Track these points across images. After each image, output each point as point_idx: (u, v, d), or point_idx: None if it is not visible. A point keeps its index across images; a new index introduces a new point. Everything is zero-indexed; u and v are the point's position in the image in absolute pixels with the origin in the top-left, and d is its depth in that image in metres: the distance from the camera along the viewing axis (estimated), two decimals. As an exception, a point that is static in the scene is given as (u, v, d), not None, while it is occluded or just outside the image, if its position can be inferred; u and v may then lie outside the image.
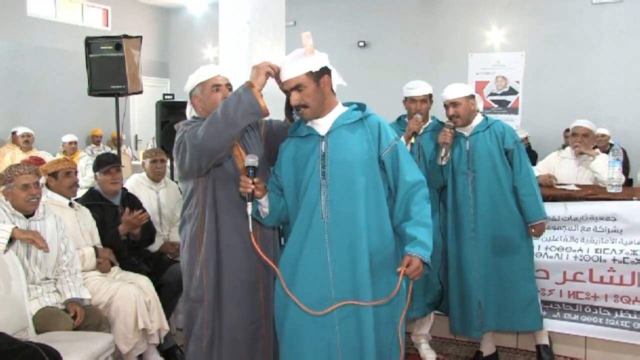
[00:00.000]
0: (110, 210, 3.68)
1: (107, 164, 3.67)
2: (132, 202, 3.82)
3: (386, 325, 2.31)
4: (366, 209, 2.26)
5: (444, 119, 3.53)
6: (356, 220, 2.25)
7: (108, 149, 8.83)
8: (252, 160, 2.26)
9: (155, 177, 4.20)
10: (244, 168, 2.36)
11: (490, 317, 3.30)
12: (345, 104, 2.39)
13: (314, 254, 2.27)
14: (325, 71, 2.27)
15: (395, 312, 2.32)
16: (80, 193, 3.91)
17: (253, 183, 2.22)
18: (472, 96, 3.31)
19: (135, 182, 4.16)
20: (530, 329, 3.46)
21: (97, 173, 3.71)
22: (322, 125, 2.32)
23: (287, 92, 2.30)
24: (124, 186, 3.91)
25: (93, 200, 3.68)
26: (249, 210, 2.22)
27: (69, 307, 3.02)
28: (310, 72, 2.22)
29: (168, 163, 5.28)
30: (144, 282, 3.40)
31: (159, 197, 4.17)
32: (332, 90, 2.32)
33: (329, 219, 2.26)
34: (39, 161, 3.93)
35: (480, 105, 3.41)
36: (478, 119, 3.34)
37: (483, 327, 3.32)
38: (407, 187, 2.27)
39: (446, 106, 3.33)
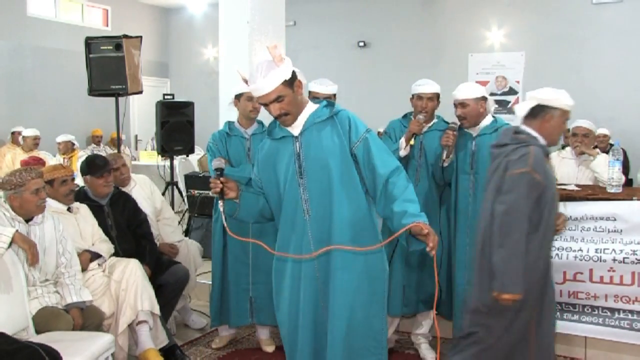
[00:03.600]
0: (94, 210, 3.61)
1: (100, 168, 3.59)
2: (123, 202, 3.73)
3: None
4: (343, 203, 2.33)
5: (448, 119, 3.52)
6: (335, 214, 2.33)
7: (108, 149, 8.84)
8: (218, 163, 2.44)
9: (123, 183, 3.99)
10: None
11: None
12: (313, 102, 2.44)
13: (300, 249, 2.38)
14: (294, 75, 2.30)
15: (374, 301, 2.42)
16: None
17: (221, 182, 2.36)
18: (484, 98, 3.29)
19: None
20: None
21: (87, 176, 3.62)
22: (294, 127, 2.38)
23: (265, 105, 2.32)
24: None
25: (78, 200, 3.61)
26: (221, 207, 2.38)
27: (70, 312, 3.02)
28: (285, 80, 2.25)
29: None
30: (134, 267, 3.39)
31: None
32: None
33: (310, 215, 2.35)
34: (39, 161, 3.90)
35: (492, 108, 3.39)
36: (487, 121, 3.32)
37: None
38: (384, 179, 2.29)
39: (455, 105, 3.33)
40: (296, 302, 2.42)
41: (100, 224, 3.58)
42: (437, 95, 3.50)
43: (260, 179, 2.49)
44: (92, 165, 3.62)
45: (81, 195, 3.65)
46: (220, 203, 2.38)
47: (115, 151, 5.65)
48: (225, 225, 2.40)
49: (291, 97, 2.29)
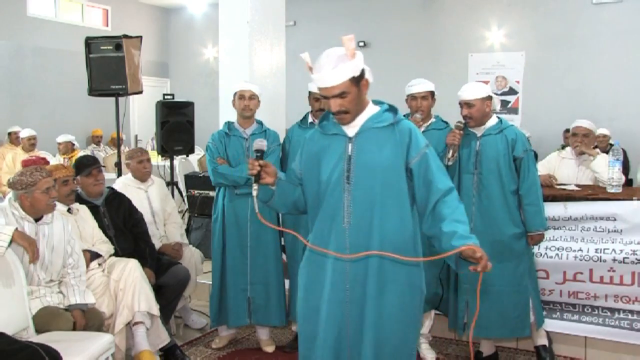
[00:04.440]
0: (92, 211, 3.60)
1: (87, 166, 3.61)
2: (118, 202, 3.74)
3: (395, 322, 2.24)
4: (388, 216, 2.19)
5: (448, 119, 3.52)
6: (377, 227, 2.18)
7: (108, 149, 8.85)
8: (260, 144, 2.29)
9: (144, 177, 4.11)
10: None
11: (478, 325, 3.30)
12: (375, 102, 2.30)
13: (336, 260, 2.22)
14: (363, 73, 2.18)
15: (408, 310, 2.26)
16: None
17: (259, 165, 2.22)
18: (489, 97, 3.28)
19: (123, 185, 4.07)
20: (517, 336, 3.50)
21: (78, 177, 3.62)
22: (350, 126, 2.24)
23: (325, 97, 2.18)
24: (112, 186, 3.84)
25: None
26: (254, 191, 2.24)
27: (72, 313, 3.01)
28: (353, 77, 2.13)
29: (155, 161, 5.26)
30: (133, 267, 3.39)
31: (148, 196, 4.11)
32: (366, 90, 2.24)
33: (350, 225, 2.20)
34: (43, 160, 3.84)
35: (497, 107, 3.38)
36: (492, 121, 3.31)
37: (467, 330, 3.34)
38: (437, 197, 2.16)
39: (461, 105, 3.32)
40: (336, 302, 2.23)
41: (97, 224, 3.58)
42: (432, 93, 3.50)
43: (301, 170, 2.34)
44: (80, 165, 3.66)
45: (75, 199, 3.65)
46: (255, 187, 2.23)
47: (116, 151, 5.65)
48: (257, 210, 2.22)
49: (355, 95, 2.15)
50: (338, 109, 2.16)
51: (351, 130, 2.24)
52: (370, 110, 2.26)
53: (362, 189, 2.19)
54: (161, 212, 4.17)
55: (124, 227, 3.71)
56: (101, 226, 3.59)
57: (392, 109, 2.28)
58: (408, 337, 2.28)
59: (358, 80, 2.15)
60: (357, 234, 2.19)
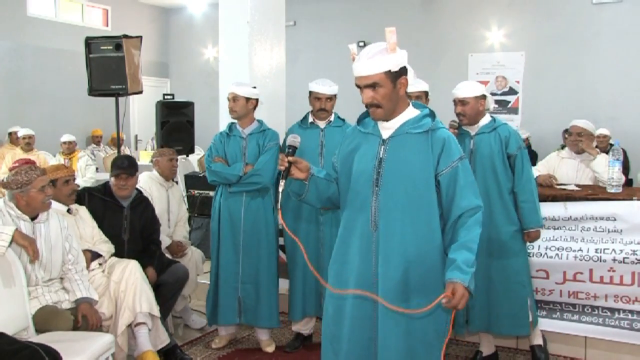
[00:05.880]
0: (113, 209, 3.64)
1: (118, 168, 3.62)
2: (142, 208, 3.74)
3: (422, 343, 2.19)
4: (416, 226, 2.15)
5: (448, 118, 3.52)
6: (405, 235, 2.14)
7: (108, 149, 8.85)
8: (293, 139, 2.29)
9: (171, 175, 4.25)
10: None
11: (478, 318, 3.32)
12: (416, 106, 2.25)
13: (362, 263, 2.21)
14: (403, 72, 2.15)
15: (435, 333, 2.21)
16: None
17: (289, 162, 2.19)
18: (483, 96, 3.30)
19: (149, 179, 4.16)
20: (517, 334, 3.49)
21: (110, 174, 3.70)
22: (386, 128, 2.21)
23: (359, 88, 2.15)
24: (139, 188, 3.86)
25: (101, 193, 3.66)
26: (281, 187, 2.20)
27: (81, 308, 3.02)
28: (389, 71, 2.10)
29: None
30: (133, 268, 3.38)
31: (168, 195, 4.21)
32: (406, 92, 2.19)
33: (378, 230, 2.17)
34: (30, 162, 3.82)
35: (491, 106, 3.39)
36: (485, 120, 3.32)
37: (469, 326, 3.35)
38: (460, 211, 2.13)
39: (455, 103, 3.33)
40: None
41: (115, 225, 3.62)
42: (426, 94, 3.51)
43: (338, 165, 2.33)
44: (113, 164, 3.71)
45: (106, 190, 3.68)
46: (282, 182, 2.19)
47: (115, 151, 5.66)
48: (279, 206, 2.19)
49: (388, 91, 2.11)
50: (369, 101, 2.13)
51: (386, 132, 2.21)
52: (409, 113, 2.21)
53: (391, 195, 2.16)
54: (176, 213, 4.27)
55: (140, 234, 3.73)
56: (119, 226, 3.62)
57: (432, 115, 2.23)
58: (434, 344, 2.22)
59: (395, 77, 2.12)
60: (384, 239, 2.16)
